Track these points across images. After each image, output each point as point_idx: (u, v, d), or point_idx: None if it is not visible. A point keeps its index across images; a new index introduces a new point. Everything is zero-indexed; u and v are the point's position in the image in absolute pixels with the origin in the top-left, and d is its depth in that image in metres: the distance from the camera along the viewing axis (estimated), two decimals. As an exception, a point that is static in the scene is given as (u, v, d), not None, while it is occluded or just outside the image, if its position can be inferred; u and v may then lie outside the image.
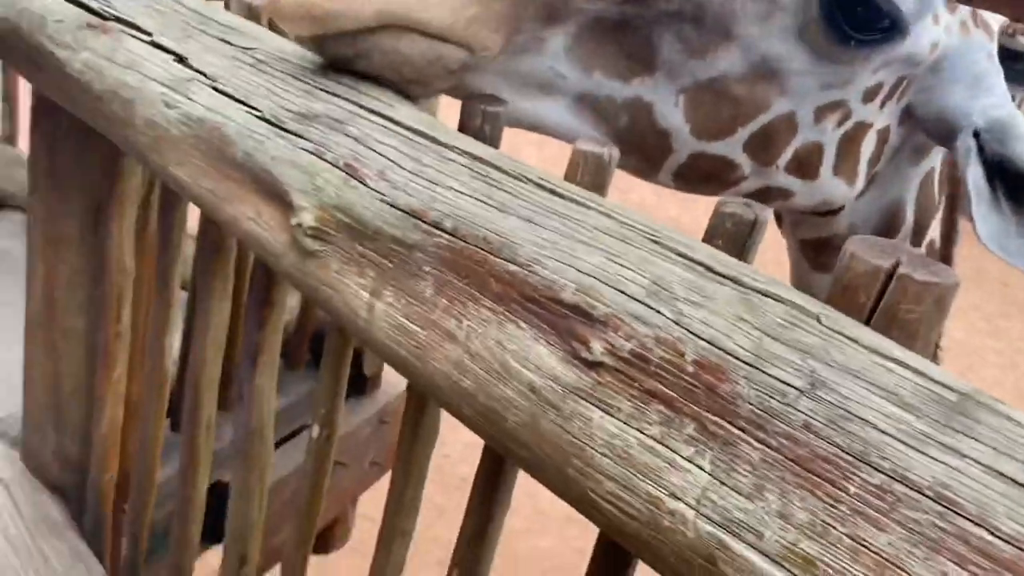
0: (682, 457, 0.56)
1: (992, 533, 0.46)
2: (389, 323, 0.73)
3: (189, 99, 0.89)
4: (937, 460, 0.49)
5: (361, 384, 2.60)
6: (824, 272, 1.20)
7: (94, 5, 1.03)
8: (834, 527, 0.50)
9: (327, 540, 2.94)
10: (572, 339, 0.62)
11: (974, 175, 1.01)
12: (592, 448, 0.60)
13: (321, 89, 0.84)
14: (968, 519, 0.47)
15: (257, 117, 0.84)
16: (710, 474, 0.55)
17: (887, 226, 1.15)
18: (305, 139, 0.80)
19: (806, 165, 0.98)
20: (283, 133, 0.81)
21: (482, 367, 0.67)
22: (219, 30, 0.97)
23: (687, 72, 0.87)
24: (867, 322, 0.66)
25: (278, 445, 2.34)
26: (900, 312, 0.64)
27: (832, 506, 0.51)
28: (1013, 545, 0.46)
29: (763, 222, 0.75)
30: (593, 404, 0.60)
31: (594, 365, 0.60)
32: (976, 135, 1.02)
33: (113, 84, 0.97)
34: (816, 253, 1.20)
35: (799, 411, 0.53)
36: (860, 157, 1.02)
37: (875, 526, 0.49)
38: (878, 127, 1.01)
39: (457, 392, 0.69)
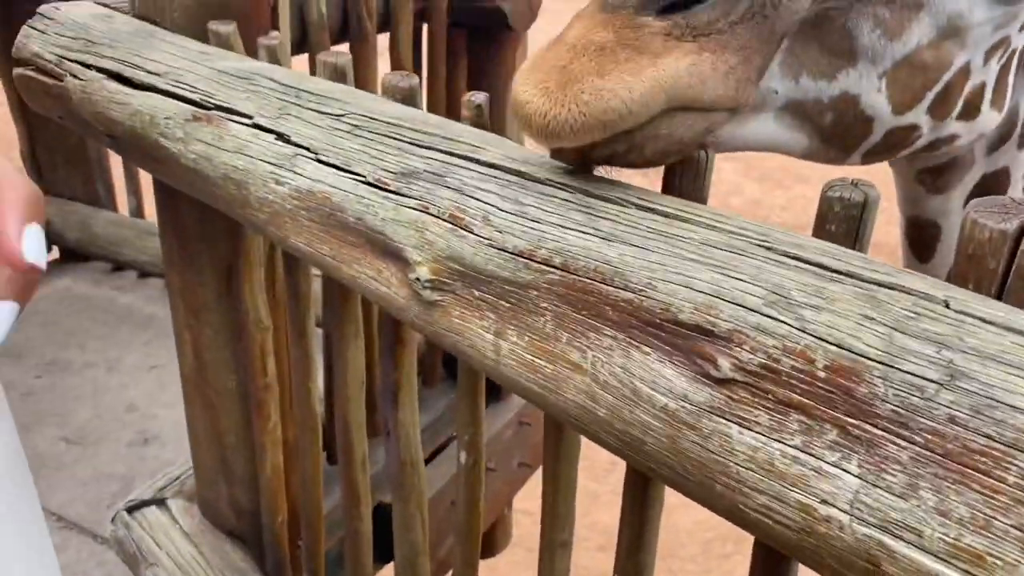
0: (828, 463, 0.56)
1: None
2: (516, 360, 0.76)
3: (296, 173, 0.94)
4: (1097, 439, 0.48)
5: (497, 389, 2.66)
6: (942, 193, 1.19)
7: (195, 97, 1.10)
8: (997, 519, 0.50)
9: (490, 544, 3.02)
10: (698, 358, 0.62)
11: None
12: (735, 463, 0.61)
13: (413, 143, 0.88)
14: None
15: (362, 182, 0.88)
16: (859, 477, 0.55)
17: (1004, 134, 1.14)
18: (409, 196, 0.83)
19: (972, 107, 0.99)
20: (388, 194, 0.85)
21: (613, 394, 0.68)
22: (312, 100, 1.02)
23: (888, 55, 0.88)
24: (1001, 287, 0.64)
25: (429, 460, 2.43)
26: (1036, 272, 0.61)
27: (991, 498, 0.50)
28: None
29: (873, 200, 0.73)
30: (730, 420, 0.61)
31: (724, 382, 0.61)
32: None
33: (225, 169, 1.04)
34: (935, 177, 1.19)
35: (941, 405, 0.52)
36: (1008, 83, 1.04)
37: (1041, 514, 0.48)
38: (1020, 48, 1.02)
39: (593, 420, 0.71)
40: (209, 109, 1.08)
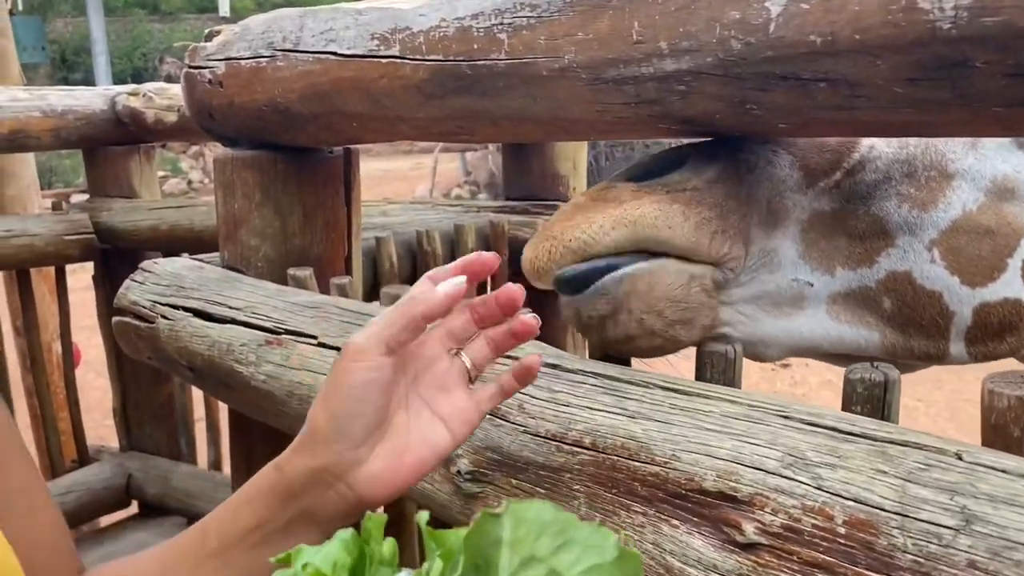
0: (858, 624, 0.55)
1: None
2: (554, 548, 0.77)
3: (352, 383, 1.02)
4: (1118, 573, 0.47)
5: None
6: None
7: (269, 325, 1.21)
8: (1033, 667, 0.48)
9: None
10: (724, 525, 0.63)
11: None
12: (768, 632, 0.60)
13: (460, 349, 0.95)
14: None
15: (410, 385, 0.94)
16: (891, 635, 0.54)
17: None
18: (452, 394, 0.89)
19: None
20: (433, 393, 0.91)
21: (648, 574, 0.68)
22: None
23: (928, 225, 0.85)
24: (1029, 455, 0.65)
25: None
26: (1061, 437, 0.62)
27: (1023, 644, 0.48)
28: None
29: (893, 380, 0.76)
30: (758, 586, 0.60)
31: (750, 547, 0.61)
32: None
33: (290, 386, 1.12)
34: None
35: (960, 550, 0.52)
36: None
37: (1075, 657, 0.46)
38: None
39: (629, 603, 0.70)
40: (280, 334, 1.18)
